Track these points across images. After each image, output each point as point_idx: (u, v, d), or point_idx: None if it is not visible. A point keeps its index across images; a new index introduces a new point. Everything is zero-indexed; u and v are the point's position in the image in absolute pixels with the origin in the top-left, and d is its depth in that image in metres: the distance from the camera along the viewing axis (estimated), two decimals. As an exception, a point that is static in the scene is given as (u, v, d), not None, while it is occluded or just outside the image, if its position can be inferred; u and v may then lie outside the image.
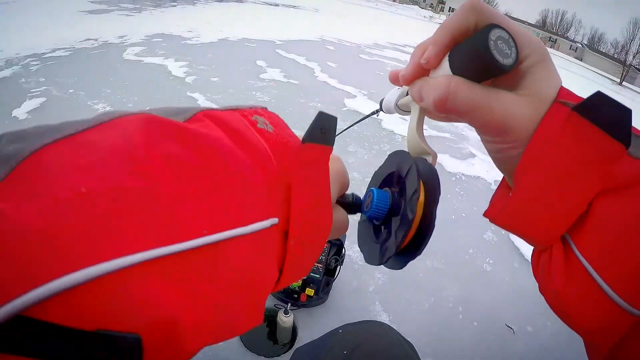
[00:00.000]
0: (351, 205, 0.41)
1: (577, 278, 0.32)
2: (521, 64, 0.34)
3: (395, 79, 0.41)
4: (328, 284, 1.68)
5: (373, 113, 0.56)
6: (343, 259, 1.66)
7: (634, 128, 0.32)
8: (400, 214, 0.37)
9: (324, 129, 0.33)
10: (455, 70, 0.34)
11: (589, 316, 0.31)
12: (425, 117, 0.43)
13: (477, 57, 0.32)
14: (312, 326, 1.59)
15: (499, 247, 2.28)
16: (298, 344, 1.50)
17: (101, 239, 0.17)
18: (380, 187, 0.43)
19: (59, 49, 4.67)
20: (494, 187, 2.62)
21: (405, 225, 0.36)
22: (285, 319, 1.41)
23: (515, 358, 1.65)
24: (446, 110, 0.35)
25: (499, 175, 3.27)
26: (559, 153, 0.31)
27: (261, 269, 0.26)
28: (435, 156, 0.41)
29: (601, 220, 0.31)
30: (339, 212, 0.39)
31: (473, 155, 3.43)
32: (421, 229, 0.36)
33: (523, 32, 0.33)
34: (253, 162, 0.27)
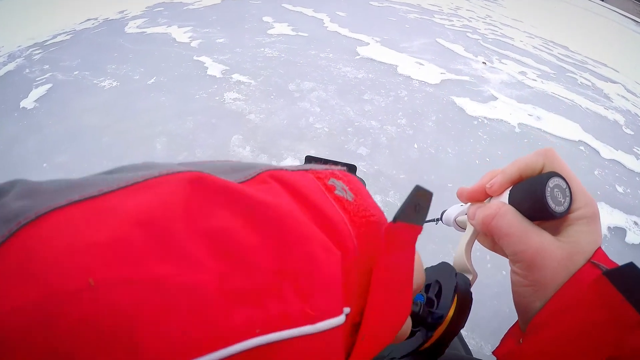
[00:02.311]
0: (415, 314, 0.39)
1: None
2: (570, 213, 0.36)
3: (461, 195, 0.43)
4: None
5: (432, 220, 0.55)
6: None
7: None
8: (428, 322, 0.39)
9: (418, 207, 0.27)
10: (512, 202, 0.37)
11: None
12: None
13: (533, 198, 0.35)
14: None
15: (526, 193, 2.21)
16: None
17: (112, 352, 0.13)
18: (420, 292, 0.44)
19: (59, 34, 4.60)
20: (518, 131, 2.52)
21: (429, 330, 0.39)
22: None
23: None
24: (489, 228, 0.37)
25: (523, 118, 3.16)
26: (580, 312, 0.32)
27: None
28: (475, 276, 0.43)
29: None
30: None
31: (495, 98, 3.28)
32: (444, 338, 0.39)
33: (581, 187, 0.36)
34: (330, 241, 0.21)
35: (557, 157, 0.37)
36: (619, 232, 2.11)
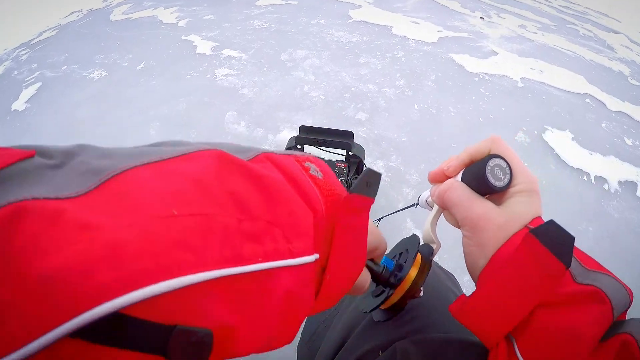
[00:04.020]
0: (377, 274, 0.48)
1: None
2: (511, 188, 0.42)
3: (429, 177, 0.52)
4: (354, 205, 1.57)
5: (411, 206, 0.65)
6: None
7: (587, 257, 0.40)
8: (390, 282, 0.48)
9: (369, 183, 0.37)
10: (464, 180, 0.45)
11: None
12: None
13: (477, 175, 0.42)
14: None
15: (533, 149, 2.14)
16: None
17: (186, 255, 0.21)
18: (392, 258, 0.53)
19: (45, 31, 4.44)
20: (521, 85, 2.43)
21: (392, 289, 0.48)
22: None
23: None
24: (443, 200, 0.45)
25: (525, 73, 3.05)
26: (514, 264, 0.37)
27: (303, 296, 0.30)
28: (439, 246, 0.52)
29: (540, 329, 0.36)
30: (364, 273, 0.44)
31: (495, 53, 3.16)
32: (405, 297, 0.48)
33: (523, 167, 0.43)
34: (305, 204, 0.31)
35: (501, 143, 0.44)
36: (630, 186, 2.03)
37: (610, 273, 0.39)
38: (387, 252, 0.53)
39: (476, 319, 0.41)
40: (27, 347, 0.16)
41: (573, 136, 2.31)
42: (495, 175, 0.41)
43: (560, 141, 2.24)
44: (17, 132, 2.54)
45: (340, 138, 1.43)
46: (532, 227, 0.39)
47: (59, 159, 0.22)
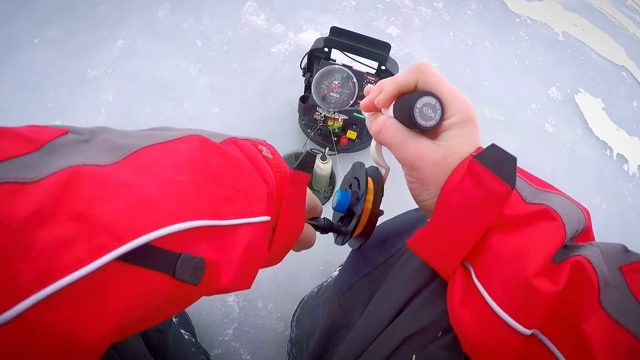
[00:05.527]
0: (321, 227, 0.55)
1: (472, 300, 0.38)
2: (445, 120, 0.42)
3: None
4: (373, 125, 1.39)
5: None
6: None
7: (537, 179, 0.41)
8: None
9: (307, 162, 0.45)
10: (396, 116, 0.45)
11: (482, 335, 0.37)
12: None
13: (406, 116, 0.42)
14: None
15: (563, 108, 1.95)
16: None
17: (188, 208, 0.30)
18: (346, 189, 0.59)
19: None
20: (562, 39, 2.14)
21: (356, 218, 0.52)
22: (322, 166, 1.22)
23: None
24: (379, 140, 0.47)
25: (568, 27, 2.77)
26: (461, 191, 0.39)
27: (259, 247, 0.39)
28: (388, 169, 0.54)
29: (492, 252, 0.37)
30: (309, 229, 0.52)
31: None
32: (370, 221, 0.52)
33: (454, 96, 0.42)
34: (261, 178, 0.40)
35: (429, 73, 0.42)
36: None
37: (563, 193, 0.40)
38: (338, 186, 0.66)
39: (430, 249, 0.42)
40: (93, 263, 0.23)
41: (604, 106, 2.12)
42: (425, 115, 0.40)
43: (591, 107, 2.06)
44: (12, 6, 2.13)
45: (376, 48, 1.20)
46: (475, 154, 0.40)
47: (87, 136, 0.30)
